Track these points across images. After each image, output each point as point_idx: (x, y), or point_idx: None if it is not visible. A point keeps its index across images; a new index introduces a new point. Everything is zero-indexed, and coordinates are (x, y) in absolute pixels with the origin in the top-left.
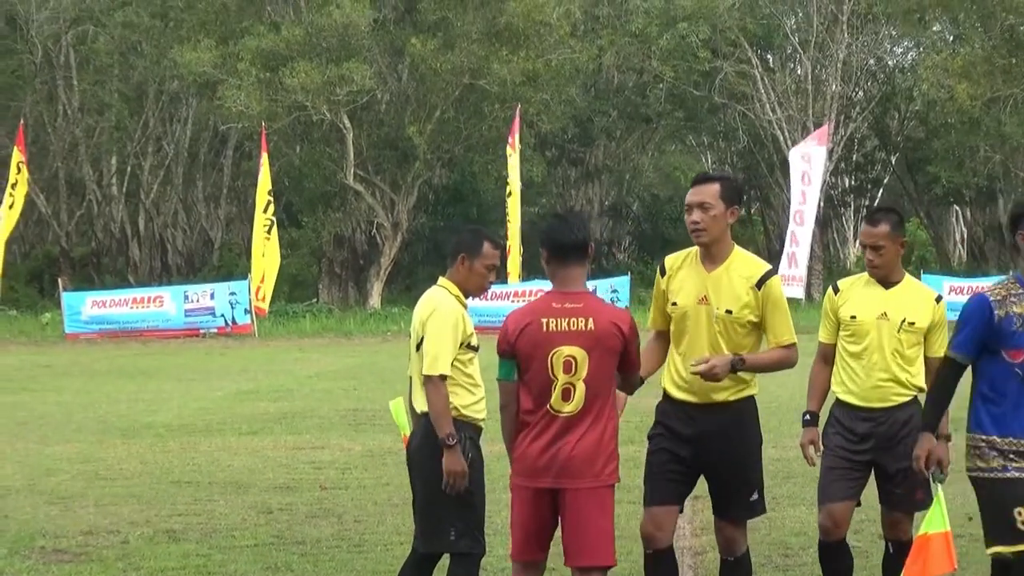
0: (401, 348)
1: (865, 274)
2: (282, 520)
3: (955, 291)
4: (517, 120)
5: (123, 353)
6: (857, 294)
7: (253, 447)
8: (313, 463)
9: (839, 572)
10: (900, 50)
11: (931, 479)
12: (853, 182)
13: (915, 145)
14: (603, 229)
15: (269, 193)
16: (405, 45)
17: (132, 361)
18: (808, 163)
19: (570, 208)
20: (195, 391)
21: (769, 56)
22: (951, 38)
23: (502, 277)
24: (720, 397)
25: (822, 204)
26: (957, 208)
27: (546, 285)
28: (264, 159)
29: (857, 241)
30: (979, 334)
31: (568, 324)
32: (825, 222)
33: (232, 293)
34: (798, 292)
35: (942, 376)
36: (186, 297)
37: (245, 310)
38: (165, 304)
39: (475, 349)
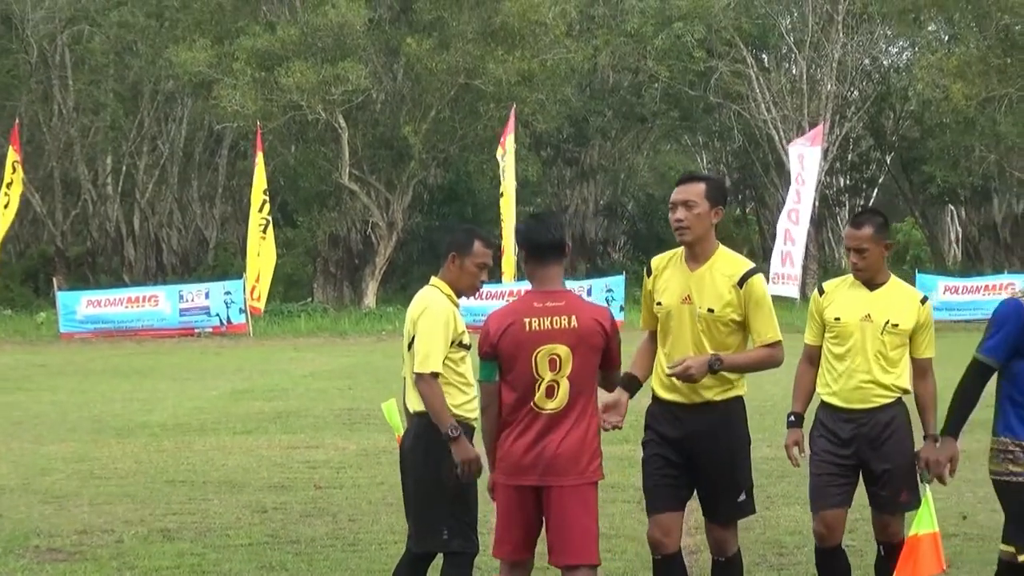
0: (396, 348)
1: (851, 276)
2: (276, 519)
3: (950, 290)
4: (511, 121)
5: (118, 352)
6: (842, 296)
7: (248, 446)
8: (308, 462)
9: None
10: (895, 50)
11: (919, 480)
12: (848, 182)
13: (910, 145)
14: (598, 229)
15: (264, 192)
16: (400, 45)
17: (127, 360)
18: (803, 163)
19: (565, 208)
20: (190, 390)
21: (764, 56)
22: (946, 38)
23: (496, 277)
24: (706, 397)
25: (817, 203)
26: (952, 208)
27: None
28: (259, 158)
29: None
30: (1013, 339)
31: (551, 323)
32: (820, 221)
33: (227, 292)
34: (793, 291)
35: (970, 380)
36: (181, 296)
37: (240, 309)
38: (160, 303)
39: (467, 348)
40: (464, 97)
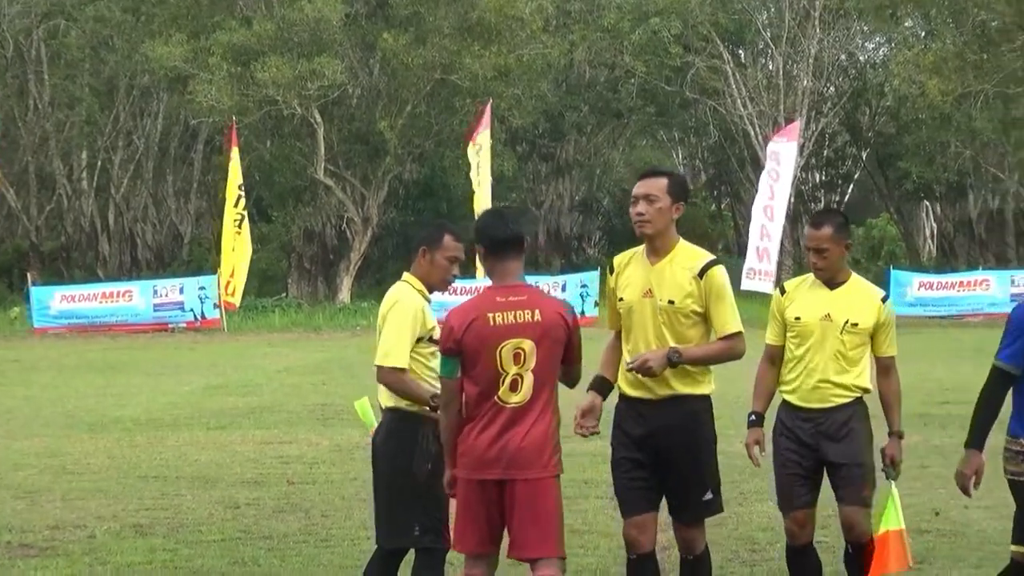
0: (370, 343)
1: (811, 275)
2: (249, 515)
3: (925, 286)
4: (485, 116)
5: (91, 347)
6: (802, 295)
7: (221, 442)
8: (281, 458)
9: (807, 574)
10: (872, 46)
11: (886, 476)
12: (824, 177)
13: (886, 140)
14: (573, 224)
15: (239, 188)
16: (377, 40)
17: (100, 355)
18: (777, 159)
19: (540, 203)
20: (163, 386)
21: (741, 51)
22: (923, 34)
23: (470, 272)
24: (670, 392)
25: (792, 199)
26: (927, 203)
27: None
28: (234, 153)
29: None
30: None
31: (515, 316)
32: (795, 217)
33: (201, 288)
34: (768, 287)
35: (991, 388)
36: (155, 292)
37: (214, 305)
38: (134, 299)
39: (437, 343)
40: (440, 92)
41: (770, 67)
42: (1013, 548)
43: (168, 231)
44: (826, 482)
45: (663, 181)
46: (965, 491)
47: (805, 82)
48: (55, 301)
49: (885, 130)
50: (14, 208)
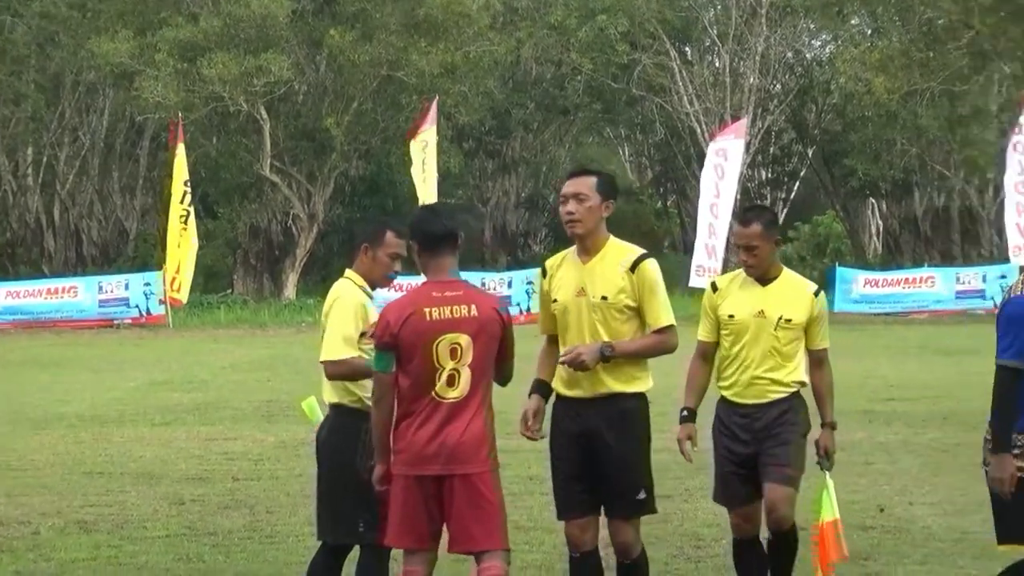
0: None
1: (743, 271)
2: (194, 511)
3: (870, 284)
4: (430, 113)
5: (36, 343)
6: (734, 292)
7: (166, 438)
8: (226, 454)
9: (752, 568)
10: (818, 43)
11: (820, 467)
12: (770, 175)
13: (832, 138)
14: (519, 221)
15: (185, 184)
16: (323, 36)
17: (45, 351)
18: (724, 156)
19: (486, 200)
20: (108, 381)
21: (687, 48)
22: (869, 31)
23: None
24: (604, 390)
25: (739, 196)
26: (873, 201)
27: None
28: (180, 150)
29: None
30: None
31: (451, 311)
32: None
33: (147, 284)
34: None
35: (1004, 388)
36: (100, 288)
37: (159, 301)
38: (79, 294)
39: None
40: (387, 89)
41: (717, 64)
42: (1007, 548)
43: (114, 227)
44: None
45: (592, 180)
46: (1004, 495)
47: (752, 79)
48: (0, 297)
49: (831, 127)
50: None
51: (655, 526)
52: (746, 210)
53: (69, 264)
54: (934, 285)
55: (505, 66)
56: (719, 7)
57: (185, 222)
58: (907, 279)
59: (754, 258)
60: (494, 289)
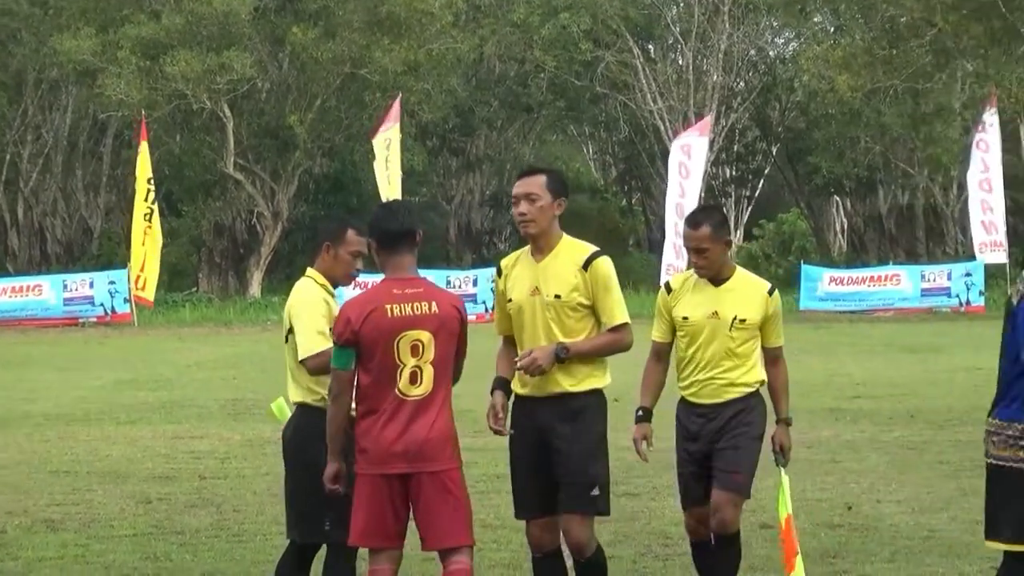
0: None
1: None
2: (161, 510)
3: (835, 281)
4: (393, 110)
5: (1, 342)
6: (688, 294)
7: (132, 436)
8: (192, 453)
9: (711, 568)
10: (781, 41)
11: (775, 463)
12: (734, 172)
13: (796, 136)
14: (484, 219)
15: (149, 182)
16: (286, 34)
17: (10, 350)
18: (688, 154)
19: (451, 198)
20: (74, 380)
21: (650, 46)
22: (832, 29)
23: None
24: (558, 390)
25: (703, 194)
26: (837, 199)
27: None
28: (143, 147)
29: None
30: None
31: (412, 308)
32: None
33: (111, 282)
34: None
35: None
36: (65, 286)
37: (124, 299)
38: (44, 293)
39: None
40: (350, 86)
41: (680, 62)
42: (999, 545)
43: (78, 225)
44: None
45: (541, 179)
46: None
47: (715, 77)
48: None
49: (795, 125)
50: None
51: (623, 524)
52: (694, 212)
53: (33, 262)
54: (899, 283)
55: (468, 64)
56: (681, 5)
57: (149, 220)
58: (872, 277)
59: (705, 260)
60: (459, 287)
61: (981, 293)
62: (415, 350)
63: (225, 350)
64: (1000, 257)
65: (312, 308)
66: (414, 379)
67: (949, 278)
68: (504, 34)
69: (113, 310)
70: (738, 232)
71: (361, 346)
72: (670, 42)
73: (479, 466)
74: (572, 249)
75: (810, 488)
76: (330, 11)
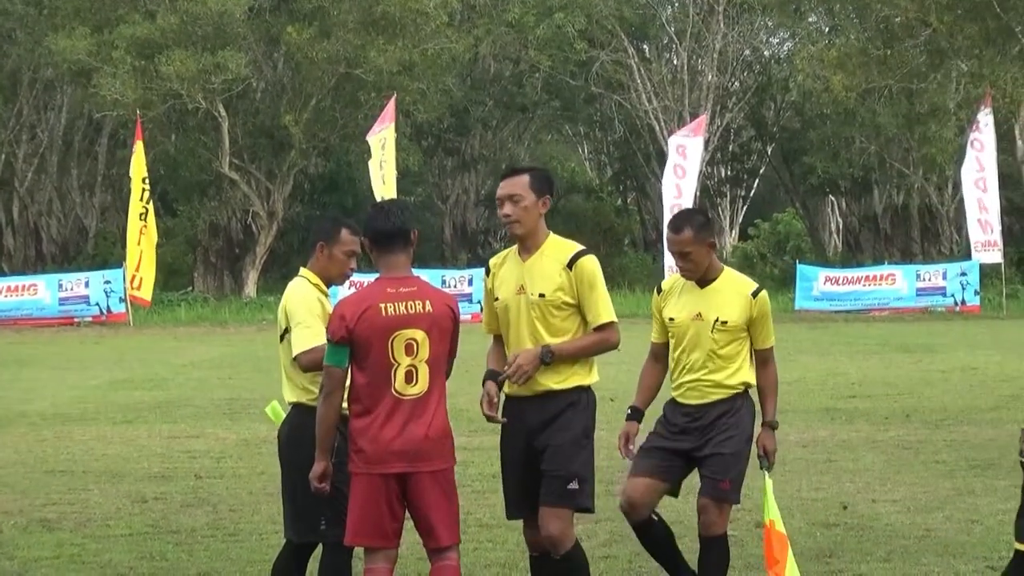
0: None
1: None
2: (157, 509)
3: (830, 281)
4: (388, 110)
5: None
6: (676, 295)
7: (128, 436)
8: (188, 452)
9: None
10: (776, 41)
11: (760, 466)
12: (729, 172)
13: (791, 135)
14: (479, 219)
15: (144, 181)
16: (281, 34)
17: (6, 349)
18: (684, 154)
19: (446, 197)
20: (70, 380)
21: (645, 46)
22: (827, 29)
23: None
24: (545, 386)
25: (698, 194)
26: (833, 198)
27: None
28: (139, 147)
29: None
30: None
31: (407, 307)
32: None
33: (107, 282)
34: None
35: None
36: (61, 286)
37: (120, 299)
38: (39, 292)
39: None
40: (345, 86)
41: (675, 62)
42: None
43: (73, 225)
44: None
45: (524, 178)
46: None
47: (710, 77)
48: None
49: (790, 125)
50: None
51: (619, 523)
52: (675, 217)
53: (29, 262)
54: (895, 282)
55: (463, 63)
56: (676, 4)
57: (144, 219)
58: (867, 276)
59: (689, 263)
60: (454, 287)
61: (976, 293)
62: (409, 349)
63: (221, 350)
64: (995, 257)
65: (306, 306)
66: (410, 378)
67: (944, 278)
68: (499, 34)
69: (109, 310)
70: (733, 232)
71: (355, 344)
72: (665, 42)
73: (475, 465)
74: (558, 248)
75: (806, 487)
76: (325, 11)
